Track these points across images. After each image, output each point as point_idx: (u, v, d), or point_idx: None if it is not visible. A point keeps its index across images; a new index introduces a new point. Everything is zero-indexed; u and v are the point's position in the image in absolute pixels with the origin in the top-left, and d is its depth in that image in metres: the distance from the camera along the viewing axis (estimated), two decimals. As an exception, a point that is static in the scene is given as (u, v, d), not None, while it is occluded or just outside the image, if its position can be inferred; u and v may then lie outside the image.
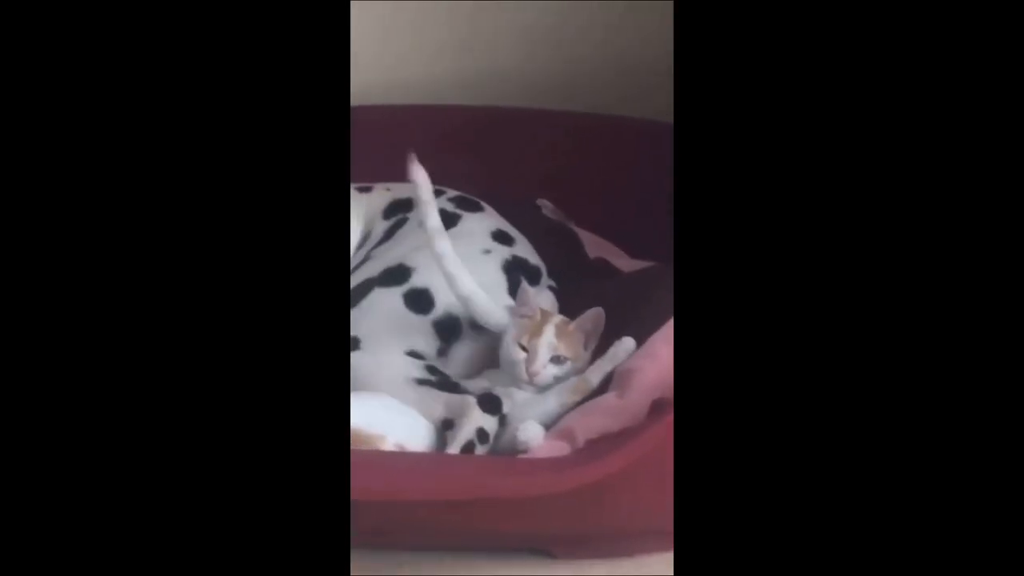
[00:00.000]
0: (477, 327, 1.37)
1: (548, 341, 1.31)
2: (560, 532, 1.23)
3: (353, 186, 1.57)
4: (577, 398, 1.28)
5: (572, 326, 1.33)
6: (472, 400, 1.27)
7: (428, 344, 1.36)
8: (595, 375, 1.29)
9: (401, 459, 1.24)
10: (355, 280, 1.42)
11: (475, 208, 1.49)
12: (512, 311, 1.35)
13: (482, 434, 1.25)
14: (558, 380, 1.31)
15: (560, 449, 1.23)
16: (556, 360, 1.31)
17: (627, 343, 1.29)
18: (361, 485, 1.12)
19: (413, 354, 1.35)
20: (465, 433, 1.25)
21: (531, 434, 1.25)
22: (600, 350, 1.31)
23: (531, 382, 1.31)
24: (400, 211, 1.51)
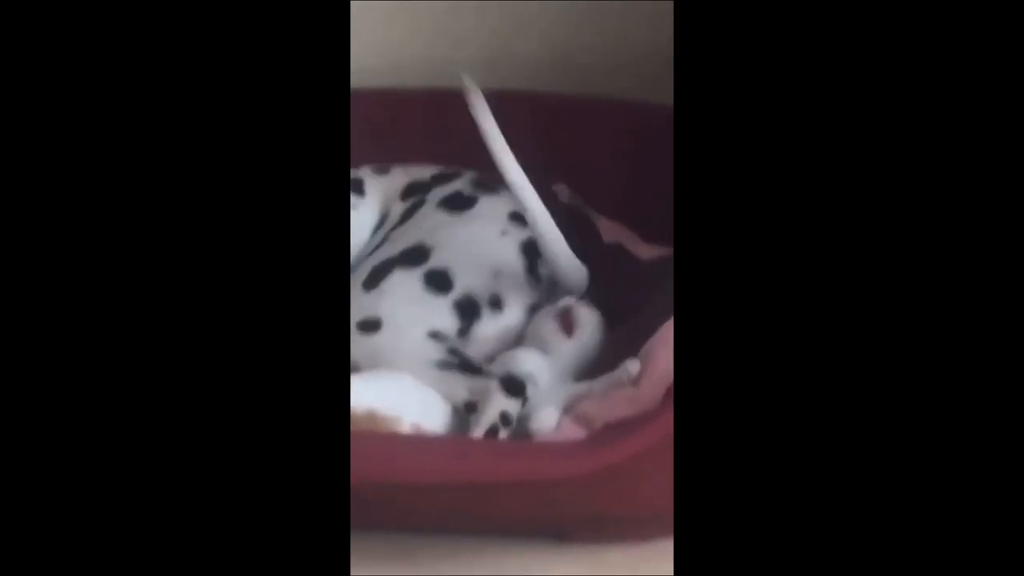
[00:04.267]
0: (497, 307, 1.37)
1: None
2: (575, 517, 1.23)
3: (370, 168, 1.57)
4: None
5: None
6: (495, 384, 1.27)
7: (449, 325, 1.36)
8: (599, 386, 1.29)
9: (414, 442, 1.24)
10: (374, 262, 1.42)
11: (492, 190, 1.49)
12: None
13: (505, 418, 1.25)
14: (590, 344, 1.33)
15: (576, 434, 1.23)
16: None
17: (631, 367, 1.28)
18: (372, 468, 1.13)
19: (435, 335, 1.35)
20: (488, 417, 1.25)
21: (542, 424, 1.25)
22: (609, 365, 1.30)
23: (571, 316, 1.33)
24: (418, 192, 1.51)
